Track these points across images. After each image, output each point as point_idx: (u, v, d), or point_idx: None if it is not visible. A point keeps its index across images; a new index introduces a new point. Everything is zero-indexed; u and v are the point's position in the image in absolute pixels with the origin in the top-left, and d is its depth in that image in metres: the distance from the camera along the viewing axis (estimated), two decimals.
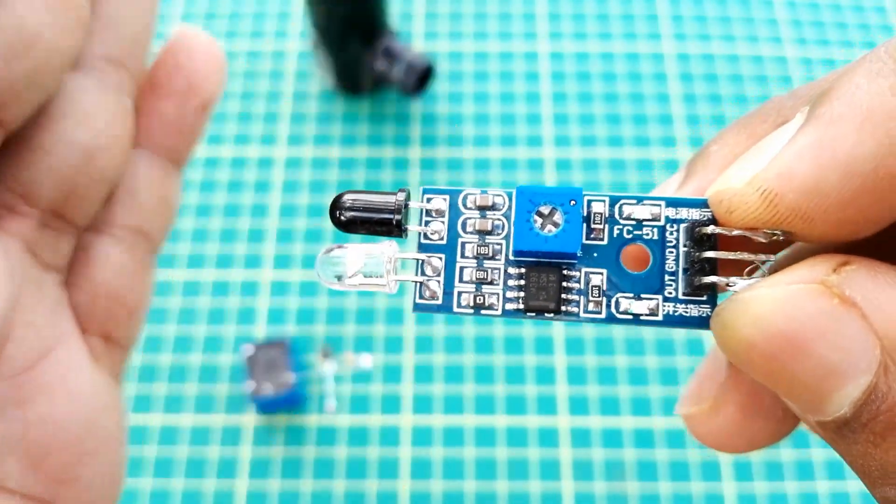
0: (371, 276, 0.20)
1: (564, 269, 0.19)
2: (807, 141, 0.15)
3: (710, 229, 0.18)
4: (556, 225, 0.19)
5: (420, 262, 0.20)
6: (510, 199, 0.20)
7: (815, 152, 0.15)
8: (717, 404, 0.20)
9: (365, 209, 0.20)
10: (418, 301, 0.20)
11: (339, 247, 0.20)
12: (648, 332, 0.52)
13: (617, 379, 0.51)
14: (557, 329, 0.52)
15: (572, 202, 0.19)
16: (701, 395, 0.21)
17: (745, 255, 0.18)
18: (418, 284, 0.20)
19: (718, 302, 0.18)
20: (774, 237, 0.17)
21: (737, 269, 0.18)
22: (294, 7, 0.65)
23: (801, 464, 0.48)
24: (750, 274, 0.18)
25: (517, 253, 0.19)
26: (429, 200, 0.20)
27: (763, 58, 0.62)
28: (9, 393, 0.20)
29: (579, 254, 0.19)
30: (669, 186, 0.19)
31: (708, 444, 0.21)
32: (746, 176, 0.16)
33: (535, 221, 0.19)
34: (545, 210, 0.19)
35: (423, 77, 0.58)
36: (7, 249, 0.20)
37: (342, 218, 0.20)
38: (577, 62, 0.62)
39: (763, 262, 0.18)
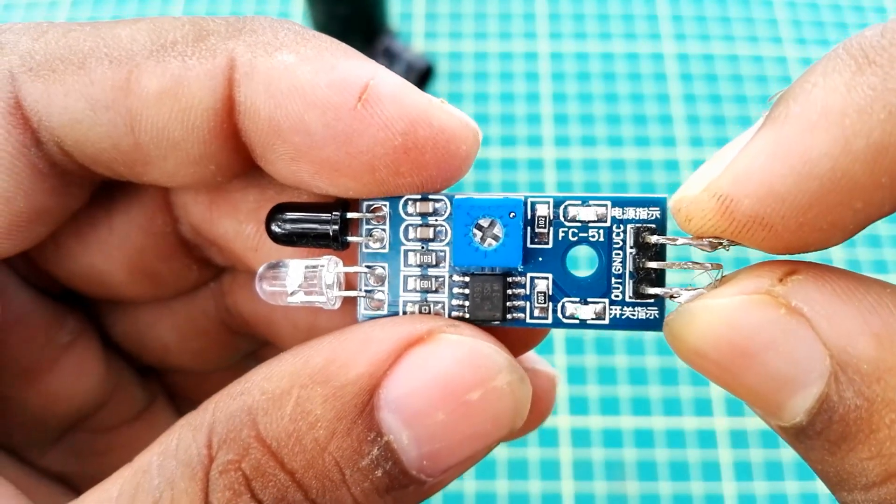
0: (312, 293, 0.19)
1: (509, 276, 0.19)
2: (761, 143, 0.14)
3: (654, 239, 0.18)
4: (496, 238, 0.18)
5: (364, 274, 0.20)
6: (451, 205, 0.19)
7: (770, 154, 0.14)
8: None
9: (301, 222, 0.19)
10: (364, 312, 0.20)
11: (280, 263, 0.20)
12: (648, 332, 0.52)
13: (617, 379, 0.51)
14: (557, 329, 0.52)
15: (511, 214, 0.18)
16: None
17: (690, 266, 0.17)
18: (361, 298, 0.20)
19: (666, 308, 0.18)
20: (721, 246, 0.16)
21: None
22: (294, 7, 0.65)
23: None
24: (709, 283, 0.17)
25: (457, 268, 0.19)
26: (369, 208, 0.20)
27: (763, 58, 0.62)
28: None
29: (520, 268, 0.19)
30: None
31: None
32: (703, 182, 0.15)
33: (475, 235, 0.19)
34: (484, 223, 0.19)
35: (422, 77, 0.58)
36: None
37: (277, 231, 0.20)
38: (577, 62, 0.62)
39: (710, 271, 0.17)
